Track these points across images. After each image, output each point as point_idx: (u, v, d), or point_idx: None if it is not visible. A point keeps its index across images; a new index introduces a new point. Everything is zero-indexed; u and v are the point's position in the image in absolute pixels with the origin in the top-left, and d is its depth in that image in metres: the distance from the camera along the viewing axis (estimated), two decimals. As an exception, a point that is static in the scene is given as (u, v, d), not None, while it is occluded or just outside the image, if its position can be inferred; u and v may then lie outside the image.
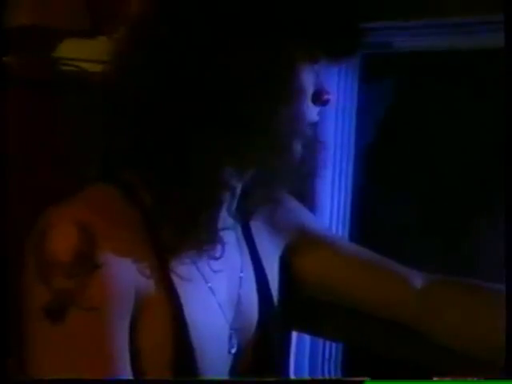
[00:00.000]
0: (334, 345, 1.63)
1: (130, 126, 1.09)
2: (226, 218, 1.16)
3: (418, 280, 1.27)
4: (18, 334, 1.03)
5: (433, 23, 1.41)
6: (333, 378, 1.60)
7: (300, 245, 1.32)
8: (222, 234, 1.12)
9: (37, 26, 1.60)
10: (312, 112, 1.13)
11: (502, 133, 1.05)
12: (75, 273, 0.99)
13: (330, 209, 1.61)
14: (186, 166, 1.07)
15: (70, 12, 1.65)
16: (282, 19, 1.06)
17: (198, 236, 1.08)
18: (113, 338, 1.00)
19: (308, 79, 1.11)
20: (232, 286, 1.19)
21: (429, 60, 1.55)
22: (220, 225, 1.13)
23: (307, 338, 1.62)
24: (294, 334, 1.58)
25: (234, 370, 1.18)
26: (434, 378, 1.00)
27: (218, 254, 1.12)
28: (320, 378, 1.59)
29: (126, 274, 1.03)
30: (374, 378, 0.98)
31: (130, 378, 1.01)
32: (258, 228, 1.27)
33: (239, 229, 1.24)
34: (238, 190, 1.17)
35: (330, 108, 1.43)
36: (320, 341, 1.63)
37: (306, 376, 1.60)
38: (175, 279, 1.08)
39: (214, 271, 1.14)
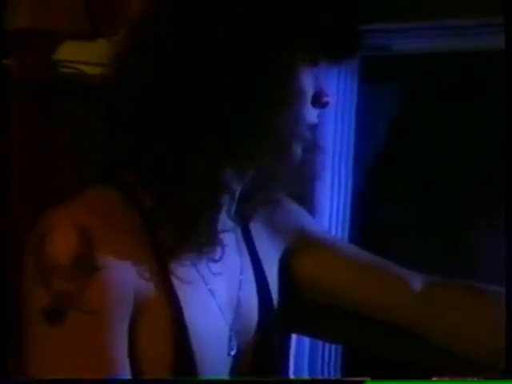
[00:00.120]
0: (333, 347, 1.63)
1: (130, 127, 1.09)
2: (225, 221, 1.16)
3: (417, 282, 1.27)
4: (18, 335, 1.02)
5: (433, 25, 1.41)
6: (332, 378, 1.60)
7: (299, 247, 1.32)
8: (221, 236, 1.12)
9: (37, 28, 1.60)
10: (311, 114, 1.13)
11: (502, 134, 1.05)
12: (74, 275, 0.99)
13: (330, 211, 1.61)
14: (185, 168, 1.07)
15: (69, 14, 1.65)
16: (282, 21, 1.06)
17: (197, 238, 1.08)
18: (112, 341, 1.00)
19: (308, 81, 1.11)
20: (232, 288, 1.19)
21: (429, 62, 1.55)
22: (220, 227, 1.12)
23: (307, 340, 1.61)
24: (294, 337, 1.58)
25: (233, 372, 1.18)
26: (434, 378, 1.00)
27: (217, 257, 1.11)
28: (320, 378, 1.59)
29: (125, 277, 1.03)
30: (373, 380, 0.97)
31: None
32: (257, 230, 1.27)
33: (239, 231, 1.24)
34: (238, 193, 1.17)
35: (330, 110, 1.43)
36: (319, 343, 1.62)
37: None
38: (175, 282, 1.08)
39: (214, 274, 1.14)
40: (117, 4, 1.56)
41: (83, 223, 1.01)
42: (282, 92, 1.07)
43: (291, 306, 1.31)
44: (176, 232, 1.07)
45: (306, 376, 1.60)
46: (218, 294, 1.15)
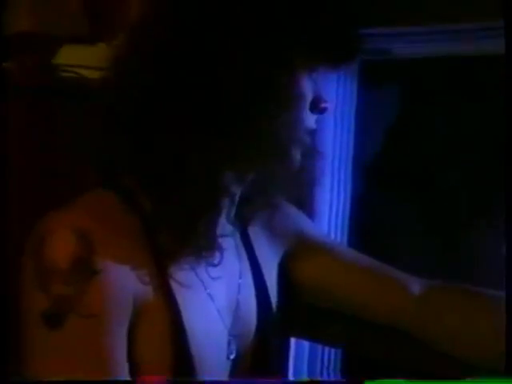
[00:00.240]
0: (332, 351, 1.63)
1: (130, 131, 1.09)
2: (224, 225, 1.16)
3: (416, 286, 1.27)
4: (18, 339, 1.02)
5: (433, 29, 1.41)
6: (332, 379, 1.60)
7: (299, 251, 1.32)
8: (220, 240, 1.12)
9: (36, 32, 1.61)
10: (310, 119, 1.13)
11: (502, 137, 1.05)
12: (74, 279, 0.99)
13: (329, 215, 1.61)
14: (185, 172, 1.07)
15: (69, 19, 1.65)
16: (282, 24, 1.06)
17: (196, 242, 1.08)
18: (111, 345, 1.00)
19: (307, 86, 1.12)
20: (231, 292, 1.19)
21: (428, 66, 1.55)
22: (219, 231, 1.13)
23: (306, 344, 1.61)
24: (293, 340, 1.58)
25: (232, 376, 1.18)
26: None
27: (216, 261, 1.11)
28: (319, 379, 1.59)
29: (124, 281, 1.03)
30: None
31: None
32: (256, 234, 1.27)
33: (238, 235, 1.24)
34: (237, 197, 1.17)
35: (329, 114, 1.43)
36: (319, 347, 1.62)
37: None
38: (174, 286, 1.08)
39: (213, 278, 1.14)
40: (116, 8, 1.56)
41: (82, 227, 1.01)
42: (282, 96, 1.07)
43: (290, 310, 1.31)
44: (175, 236, 1.07)
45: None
46: (217, 298, 1.15)
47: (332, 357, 1.64)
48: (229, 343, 1.17)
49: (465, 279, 1.27)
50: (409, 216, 1.60)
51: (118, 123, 1.11)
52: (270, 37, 1.06)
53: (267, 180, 1.16)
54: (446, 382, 1.01)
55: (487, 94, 1.48)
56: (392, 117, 1.61)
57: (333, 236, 1.61)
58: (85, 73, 1.56)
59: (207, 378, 1.11)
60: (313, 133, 1.15)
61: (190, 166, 1.06)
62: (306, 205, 1.47)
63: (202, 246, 1.09)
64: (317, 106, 1.13)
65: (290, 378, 1.57)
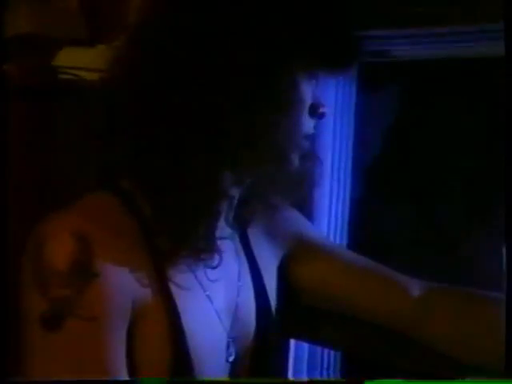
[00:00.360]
0: (332, 352, 1.63)
1: (130, 134, 1.09)
2: (223, 228, 1.16)
3: (416, 288, 1.27)
4: (17, 341, 1.02)
5: (432, 32, 1.41)
6: (332, 379, 1.60)
7: (298, 253, 1.32)
8: (219, 243, 1.12)
9: (36, 34, 1.61)
10: (308, 124, 1.13)
11: (502, 139, 1.05)
12: (73, 282, 0.99)
13: (328, 217, 1.61)
14: (185, 175, 1.07)
15: (68, 21, 1.65)
16: (282, 29, 1.06)
17: (195, 245, 1.08)
18: (110, 347, 1.00)
19: (306, 91, 1.12)
20: (230, 294, 1.19)
21: (428, 68, 1.55)
22: (218, 234, 1.13)
23: (305, 346, 1.61)
24: (292, 342, 1.58)
25: (231, 378, 1.18)
26: None
27: (214, 263, 1.12)
28: (319, 379, 1.59)
29: (123, 283, 1.03)
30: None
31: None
32: (256, 237, 1.27)
33: (237, 238, 1.24)
34: (236, 200, 1.17)
35: (329, 117, 1.43)
36: (318, 349, 1.62)
37: (305, 384, 1.59)
38: (173, 288, 1.08)
39: (211, 280, 1.14)
40: (115, 10, 1.56)
41: (82, 230, 1.01)
42: (282, 101, 1.08)
43: (290, 312, 1.31)
44: (174, 238, 1.08)
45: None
46: (216, 300, 1.15)
47: (332, 359, 1.64)
48: (228, 346, 1.17)
49: (464, 280, 1.27)
50: (408, 218, 1.60)
51: (118, 125, 1.11)
52: (269, 41, 1.06)
53: (265, 183, 1.17)
54: (445, 382, 1.01)
55: (487, 97, 1.48)
56: (391, 119, 1.61)
57: (332, 238, 1.61)
58: (84, 75, 1.56)
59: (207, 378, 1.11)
60: (311, 137, 1.15)
61: (190, 169, 1.06)
62: (306, 207, 1.47)
63: (201, 249, 1.09)
64: (315, 111, 1.13)
65: (290, 378, 1.57)
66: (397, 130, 1.62)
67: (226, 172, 1.10)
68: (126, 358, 1.02)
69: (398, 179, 1.63)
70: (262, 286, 1.25)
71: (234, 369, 1.18)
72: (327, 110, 1.15)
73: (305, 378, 1.61)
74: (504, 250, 1.04)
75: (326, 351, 1.63)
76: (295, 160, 1.13)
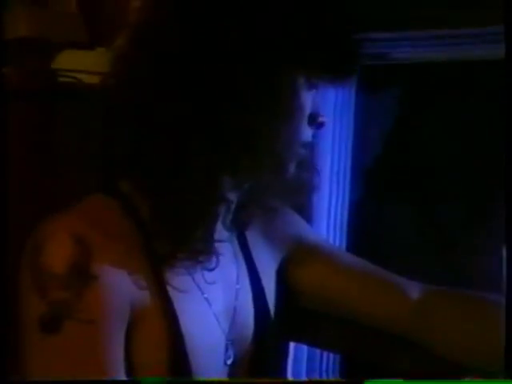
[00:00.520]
0: (331, 355, 1.63)
1: (129, 137, 1.09)
2: (221, 231, 1.16)
3: (415, 291, 1.27)
4: (16, 344, 1.02)
5: (433, 34, 1.41)
6: (331, 379, 1.60)
7: (297, 256, 1.32)
8: (217, 245, 1.12)
9: (35, 37, 1.61)
10: (307, 133, 1.14)
11: (502, 141, 1.05)
12: (71, 284, 0.99)
13: (327, 220, 1.61)
14: (183, 179, 1.07)
15: (68, 24, 1.65)
16: (282, 37, 1.06)
17: (193, 247, 1.08)
18: (108, 350, 1.00)
19: (306, 99, 1.12)
20: (228, 297, 1.19)
21: (428, 71, 1.55)
22: (216, 237, 1.13)
23: (305, 348, 1.61)
24: (292, 345, 1.58)
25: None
26: None
27: (212, 266, 1.11)
28: (318, 379, 1.59)
29: (121, 286, 1.03)
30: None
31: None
32: (255, 240, 1.27)
33: (235, 241, 1.24)
34: (234, 204, 1.16)
35: (328, 118, 1.43)
36: (317, 351, 1.62)
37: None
38: (171, 291, 1.08)
39: (209, 283, 1.14)
40: (115, 13, 1.56)
41: (80, 232, 1.01)
42: (281, 109, 1.08)
43: (288, 315, 1.31)
44: (172, 241, 1.07)
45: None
46: (214, 303, 1.15)
47: (331, 361, 1.64)
48: (226, 348, 1.17)
49: (464, 281, 1.27)
50: (407, 221, 1.60)
51: (118, 127, 1.11)
52: (271, 49, 1.06)
53: (263, 188, 1.17)
54: (445, 382, 1.01)
55: (487, 99, 1.48)
56: (391, 121, 1.61)
57: (331, 241, 1.61)
58: (84, 77, 1.56)
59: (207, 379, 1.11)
60: (308, 146, 1.15)
61: (189, 172, 1.06)
62: (305, 209, 1.47)
63: (199, 251, 1.09)
64: (315, 120, 1.14)
65: (289, 378, 1.56)
66: (396, 132, 1.62)
67: (224, 176, 1.10)
68: (124, 360, 1.02)
69: (398, 182, 1.63)
70: (260, 288, 1.25)
71: (233, 371, 1.18)
72: (326, 119, 1.15)
73: (304, 378, 1.61)
74: (504, 250, 1.04)
75: (325, 353, 1.63)
76: (291, 167, 1.13)
